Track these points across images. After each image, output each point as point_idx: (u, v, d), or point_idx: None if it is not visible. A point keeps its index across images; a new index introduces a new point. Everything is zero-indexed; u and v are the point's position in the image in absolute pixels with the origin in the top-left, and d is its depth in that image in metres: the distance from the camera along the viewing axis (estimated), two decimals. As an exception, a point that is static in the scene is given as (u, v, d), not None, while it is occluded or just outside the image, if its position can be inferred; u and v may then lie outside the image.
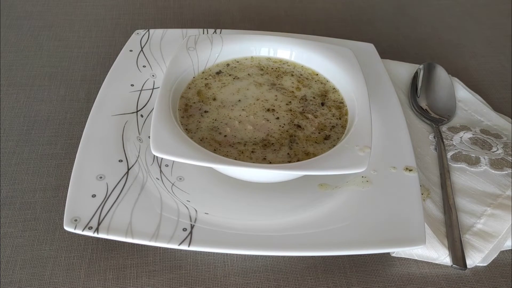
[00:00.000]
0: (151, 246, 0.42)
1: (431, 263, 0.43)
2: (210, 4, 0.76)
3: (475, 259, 0.42)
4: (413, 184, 0.43)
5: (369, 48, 0.57)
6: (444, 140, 0.52)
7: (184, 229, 0.38)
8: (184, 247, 0.37)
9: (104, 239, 0.43)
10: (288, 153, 0.42)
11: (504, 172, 0.47)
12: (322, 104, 0.46)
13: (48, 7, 0.72)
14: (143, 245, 0.42)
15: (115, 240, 0.43)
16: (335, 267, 0.42)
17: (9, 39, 0.65)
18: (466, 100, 0.57)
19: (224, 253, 0.42)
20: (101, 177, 0.41)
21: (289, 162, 0.41)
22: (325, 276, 0.41)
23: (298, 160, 0.41)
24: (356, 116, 0.43)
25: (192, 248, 0.37)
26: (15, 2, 0.73)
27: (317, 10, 0.77)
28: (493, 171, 0.47)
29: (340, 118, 0.45)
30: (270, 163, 0.41)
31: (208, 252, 0.42)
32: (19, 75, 0.60)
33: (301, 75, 0.50)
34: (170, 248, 0.42)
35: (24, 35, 0.66)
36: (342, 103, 0.47)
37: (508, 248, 0.44)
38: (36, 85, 0.58)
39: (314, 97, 0.47)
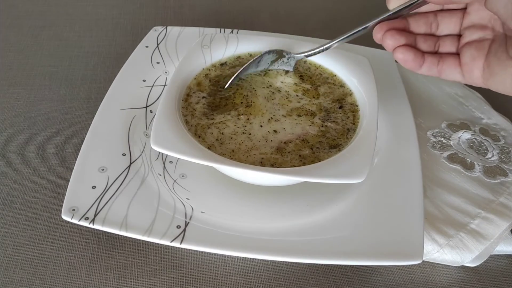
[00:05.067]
0: (152, 245, 0.42)
1: (433, 263, 0.43)
2: (211, 4, 0.76)
3: (464, 258, 0.42)
4: (417, 198, 0.42)
5: (387, 56, 0.57)
6: (442, 139, 0.52)
7: (178, 226, 0.38)
8: (176, 244, 0.37)
9: (105, 238, 0.43)
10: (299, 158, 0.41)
11: (496, 181, 0.48)
12: (340, 107, 0.46)
13: (48, 6, 0.72)
14: (144, 244, 0.43)
15: (116, 239, 0.43)
16: (336, 267, 0.42)
17: (9, 39, 0.65)
18: (466, 96, 0.58)
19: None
20: (103, 169, 0.42)
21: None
22: (326, 276, 0.42)
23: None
24: (363, 126, 0.43)
25: (184, 246, 0.37)
26: (16, 1, 0.73)
27: (318, 10, 0.77)
28: (486, 179, 0.48)
29: (354, 123, 0.45)
30: (273, 165, 0.40)
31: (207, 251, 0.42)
32: (19, 75, 0.60)
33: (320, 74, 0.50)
34: (171, 247, 0.42)
35: (25, 34, 0.66)
36: (357, 106, 0.46)
37: (500, 253, 0.44)
38: (36, 84, 0.58)
39: (332, 102, 0.47)
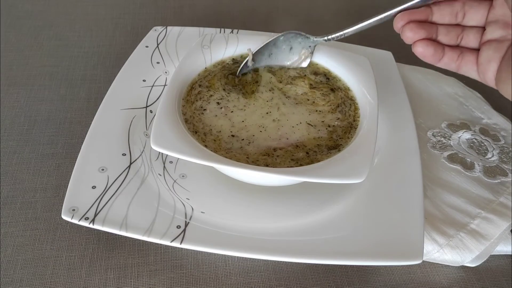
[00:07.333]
0: (152, 245, 0.42)
1: (433, 263, 0.43)
2: (211, 4, 0.76)
3: (464, 258, 0.42)
4: (417, 198, 0.42)
5: (387, 56, 0.57)
6: (442, 139, 0.52)
7: (178, 227, 0.38)
8: (176, 244, 0.37)
9: (105, 238, 0.43)
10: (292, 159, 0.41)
11: (496, 181, 0.48)
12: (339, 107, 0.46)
13: (48, 6, 0.72)
14: (144, 244, 0.43)
15: (116, 240, 0.43)
16: (336, 266, 0.42)
17: (9, 39, 0.65)
18: (466, 96, 0.58)
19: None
20: (103, 169, 0.42)
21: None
22: (326, 276, 0.42)
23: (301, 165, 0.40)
24: (363, 126, 0.43)
25: (184, 246, 0.37)
26: (16, 1, 0.73)
27: (318, 10, 0.77)
28: (486, 179, 0.48)
29: (355, 120, 0.45)
30: (267, 165, 0.40)
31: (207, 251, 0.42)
32: (19, 75, 0.60)
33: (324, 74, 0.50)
34: (171, 247, 0.42)
35: (25, 34, 0.66)
36: (358, 106, 0.46)
37: (500, 253, 0.44)
38: (36, 84, 0.58)
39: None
